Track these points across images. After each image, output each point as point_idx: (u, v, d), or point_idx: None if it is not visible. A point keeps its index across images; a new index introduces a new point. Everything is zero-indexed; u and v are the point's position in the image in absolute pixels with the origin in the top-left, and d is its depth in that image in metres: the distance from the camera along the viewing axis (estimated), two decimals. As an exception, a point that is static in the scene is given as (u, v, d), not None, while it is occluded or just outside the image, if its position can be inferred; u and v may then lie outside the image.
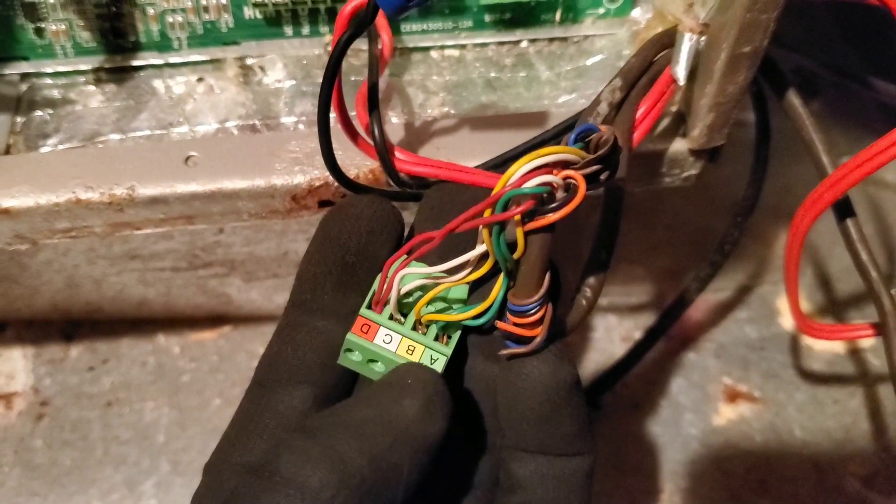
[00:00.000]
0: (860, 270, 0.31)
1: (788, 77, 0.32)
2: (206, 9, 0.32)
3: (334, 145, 0.27)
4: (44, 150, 0.32)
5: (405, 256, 0.24)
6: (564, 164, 0.21)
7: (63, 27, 0.32)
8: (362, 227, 0.25)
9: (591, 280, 0.28)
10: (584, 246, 0.30)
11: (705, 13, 0.28)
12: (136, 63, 0.33)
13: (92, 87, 0.33)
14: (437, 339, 0.24)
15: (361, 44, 0.31)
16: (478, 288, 0.24)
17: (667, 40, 0.29)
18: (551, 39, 0.35)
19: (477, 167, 0.29)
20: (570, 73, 0.34)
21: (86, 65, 0.33)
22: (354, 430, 0.21)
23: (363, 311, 0.24)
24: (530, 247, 0.22)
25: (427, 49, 0.35)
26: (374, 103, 0.28)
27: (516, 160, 0.21)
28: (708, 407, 0.45)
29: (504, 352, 0.23)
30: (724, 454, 0.43)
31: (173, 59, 0.33)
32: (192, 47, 0.33)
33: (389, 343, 0.24)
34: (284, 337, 0.25)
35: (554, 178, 0.21)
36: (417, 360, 0.24)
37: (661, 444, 0.44)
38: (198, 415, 0.43)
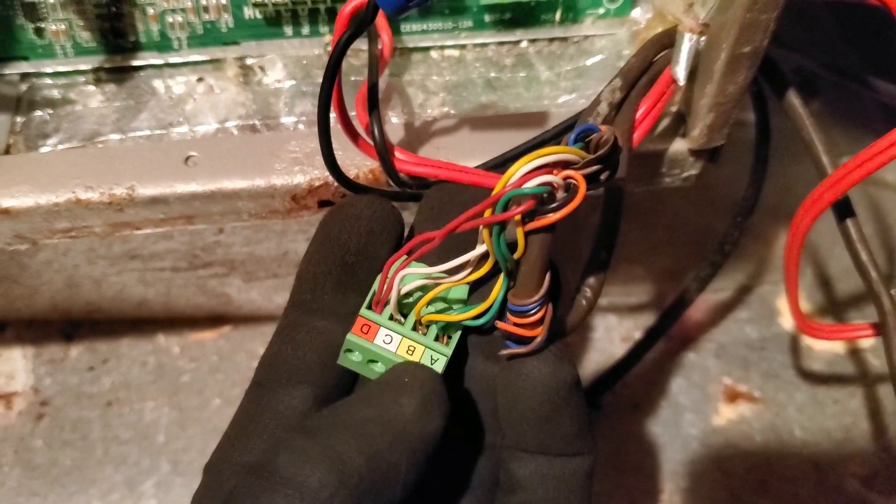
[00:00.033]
0: (860, 270, 0.31)
1: (788, 77, 0.32)
2: (206, 9, 0.32)
3: (334, 145, 0.27)
4: (44, 150, 0.32)
5: (405, 257, 0.24)
6: (564, 165, 0.21)
7: (63, 27, 0.32)
8: (362, 228, 0.25)
9: (591, 280, 0.28)
10: (584, 246, 0.30)
11: (705, 13, 0.28)
12: (135, 63, 0.33)
13: (92, 87, 0.33)
14: (437, 339, 0.24)
15: (361, 44, 0.31)
16: (478, 288, 0.24)
17: (667, 40, 0.29)
18: (551, 39, 0.35)
19: (477, 167, 0.29)
20: (570, 74, 0.34)
21: (86, 65, 0.33)
22: (353, 430, 0.21)
23: (363, 311, 0.24)
24: (530, 247, 0.22)
25: (427, 49, 0.35)
26: (374, 103, 0.28)
27: (516, 160, 0.21)
28: (708, 407, 0.45)
29: (504, 352, 0.23)
30: (724, 454, 0.43)
31: (173, 59, 0.33)
32: (192, 47, 0.33)
33: (389, 343, 0.24)
34: (284, 337, 0.25)
35: (554, 178, 0.21)
36: (418, 361, 0.24)
37: (661, 444, 0.44)
38: (198, 415, 0.43)
